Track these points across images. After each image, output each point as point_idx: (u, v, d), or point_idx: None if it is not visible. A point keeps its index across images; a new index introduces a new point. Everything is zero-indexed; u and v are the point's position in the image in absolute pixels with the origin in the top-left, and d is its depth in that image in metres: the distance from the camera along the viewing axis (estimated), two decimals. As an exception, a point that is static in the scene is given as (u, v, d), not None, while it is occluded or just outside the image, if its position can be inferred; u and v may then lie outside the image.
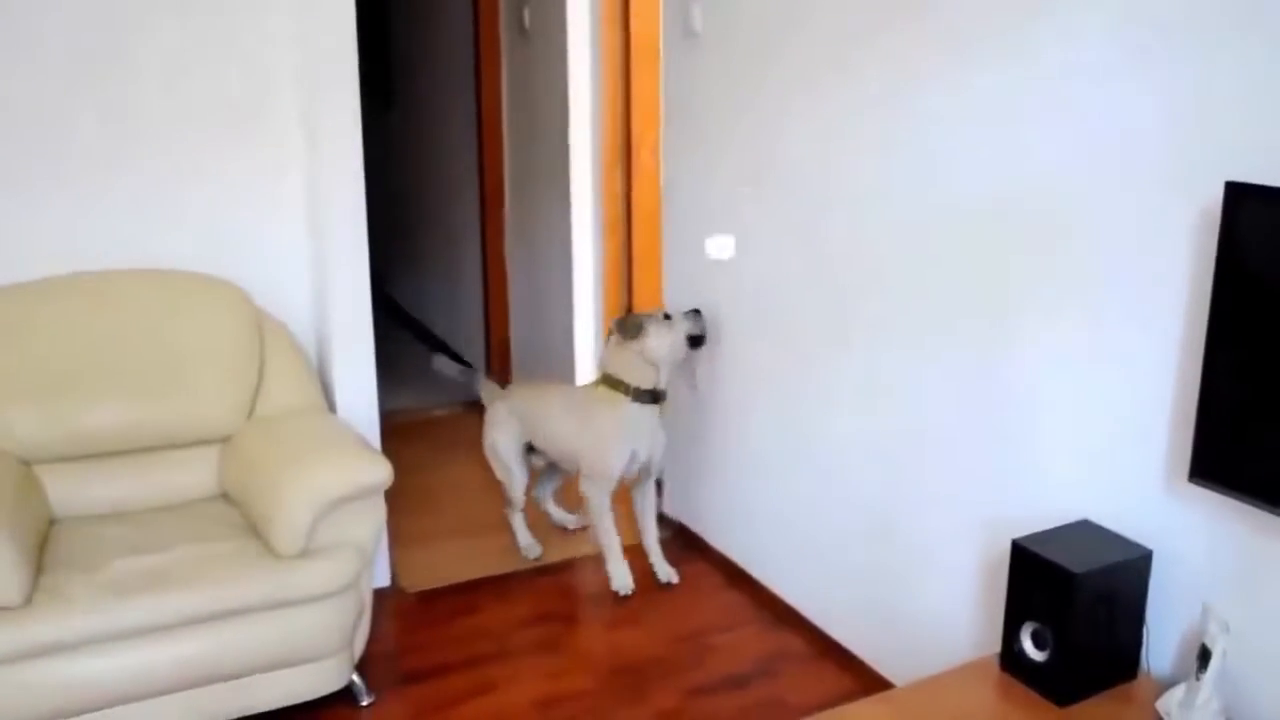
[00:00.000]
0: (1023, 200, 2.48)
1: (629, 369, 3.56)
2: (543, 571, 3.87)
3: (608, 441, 3.57)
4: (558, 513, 4.18)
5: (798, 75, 3.16)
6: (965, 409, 2.72)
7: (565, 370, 4.96)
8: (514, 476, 3.90)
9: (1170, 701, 2.13)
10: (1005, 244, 2.54)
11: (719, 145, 3.57)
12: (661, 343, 3.54)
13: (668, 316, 3.58)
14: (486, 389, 4.08)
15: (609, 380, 3.60)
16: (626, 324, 3.56)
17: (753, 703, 3.09)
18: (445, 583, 3.79)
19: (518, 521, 4.00)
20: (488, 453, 3.94)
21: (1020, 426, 2.57)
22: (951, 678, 2.34)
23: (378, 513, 3.04)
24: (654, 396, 3.58)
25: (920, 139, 2.75)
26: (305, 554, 2.86)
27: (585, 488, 3.66)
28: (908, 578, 2.99)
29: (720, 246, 3.55)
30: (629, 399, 3.56)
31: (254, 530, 2.98)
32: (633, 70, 4.53)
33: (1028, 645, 2.26)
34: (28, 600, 2.62)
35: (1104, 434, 2.36)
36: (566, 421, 3.70)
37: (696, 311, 3.66)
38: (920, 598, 2.95)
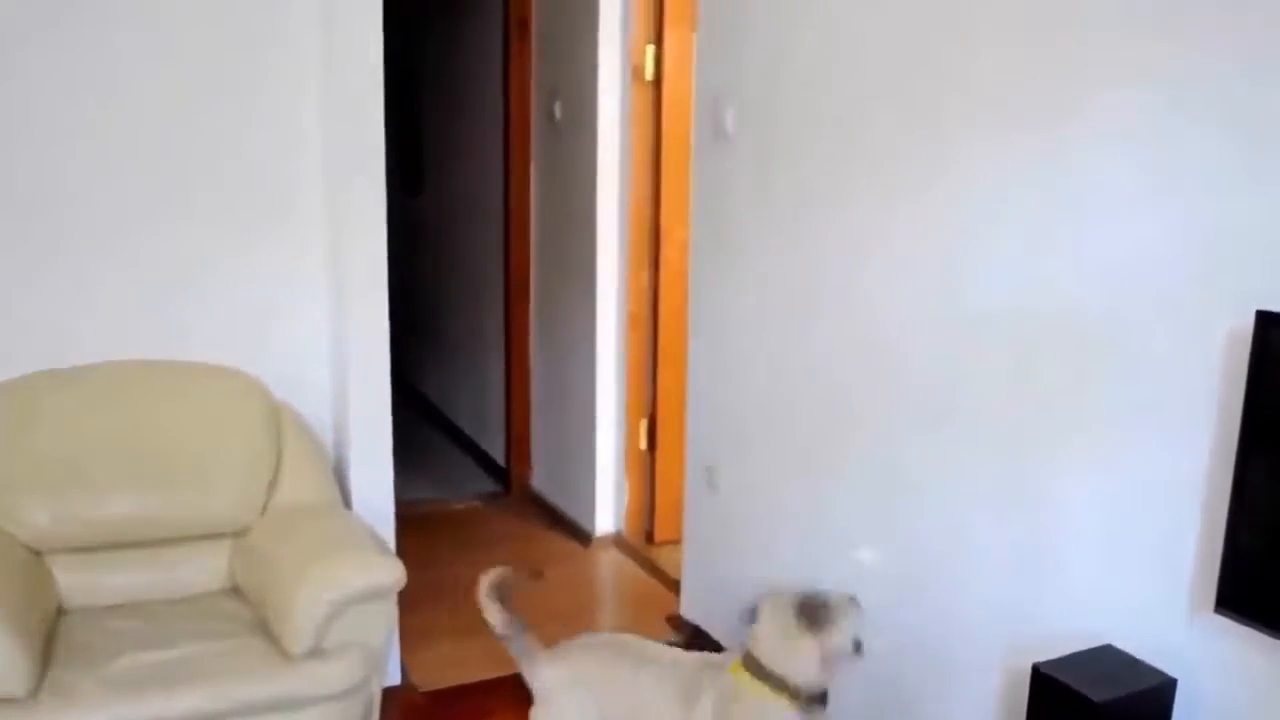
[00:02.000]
0: (1049, 320, 2.46)
1: (800, 666, 2.52)
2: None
3: None
4: None
5: (827, 185, 3.16)
6: (988, 529, 2.67)
7: (585, 469, 4.93)
8: None
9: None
10: (1031, 365, 2.52)
11: (748, 248, 3.57)
12: (847, 636, 2.56)
13: (853, 600, 2.62)
14: (525, 654, 2.83)
15: (761, 674, 2.54)
16: (813, 608, 2.53)
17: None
18: (458, 682, 3.73)
19: None
20: None
21: (1044, 548, 2.52)
22: (969, 806, 2.27)
23: (389, 614, 3.01)
24: (824, 699, 2.57)
25: (950, 256, 2.74)
26: (314, 654, 2.82)
27: None
28: (927, 697, 2.91)
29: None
30: (792, 707, 2.51)
31: (263, 627, 2.95)
32: (663, 166, 4.57)
33: (1048, 775, 2.19)
34: (33, 694, 2.59)
35: (1129, 559, 2.31)
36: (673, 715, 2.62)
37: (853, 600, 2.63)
38: (940, 717, 2.87)
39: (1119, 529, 2.33)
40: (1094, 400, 2.36)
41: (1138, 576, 2.29)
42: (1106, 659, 2.27)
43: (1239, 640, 2.09)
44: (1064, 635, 2.44)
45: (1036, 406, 2.51)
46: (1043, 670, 2.21)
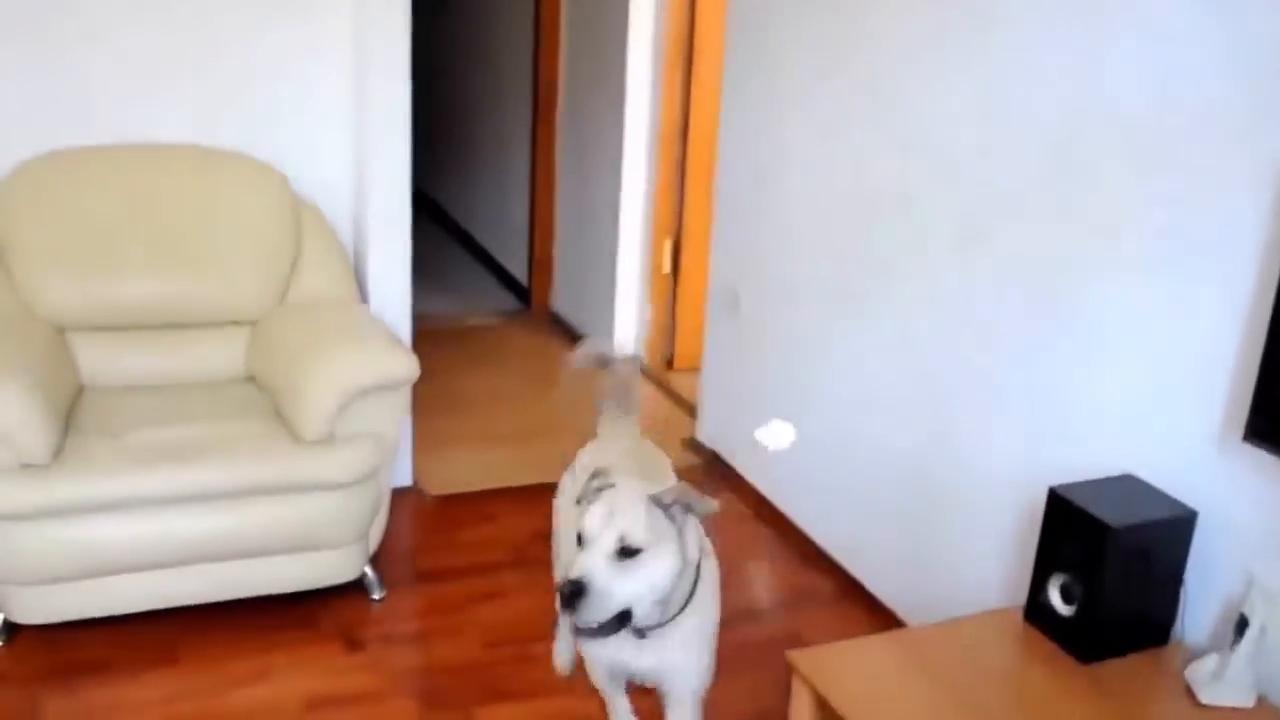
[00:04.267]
0: (1092, 138, 2.34)
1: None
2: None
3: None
4: None
5: (872, -7, 3.02)
6: (1013, 351, 2.61)
7: (606, 290, 4.88)
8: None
9: (1200, 671, 2.03)
10: (1072, 185, 2.41)
11: (784, 61, 3.43)
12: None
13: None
14: (607, 418, 2.62)
15: None
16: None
17: (768, 637, 3.03)
18: (467, 489, 3.75)
19: (564, 626, 2.81)
20: (555, 520, 2.68)
21: (1070, 372, 2.45)
22: (971, 623, 2.26)
23: (402, 408, 3.01)
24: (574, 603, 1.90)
25: (994, 71, 2.60)
26: (327, 441, 2.83)
27: None
28: (940, 524, 2.90)
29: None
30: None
31: (278, 413, 2.95)
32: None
33: (1055, 597, 2.17)
34: (55, 460, 2.64)
35: (1158, 385, 2.24)
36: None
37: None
38: (952, 546, 2.86)
39: (1150, 357, 2.26)
40: (1134, 224, 2.26)
41: (1166, 404, 2.23)
42: (1126, 487, 2.23)
43: (1265, 473, 2.04)
44: (1085, 465, 2.40)
45: (1074, 229, 2.41)
46: (1059, 493, 2.17)
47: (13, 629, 2.81)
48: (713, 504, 1.96)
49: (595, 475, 2.00)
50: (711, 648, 2.18)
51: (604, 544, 1.86)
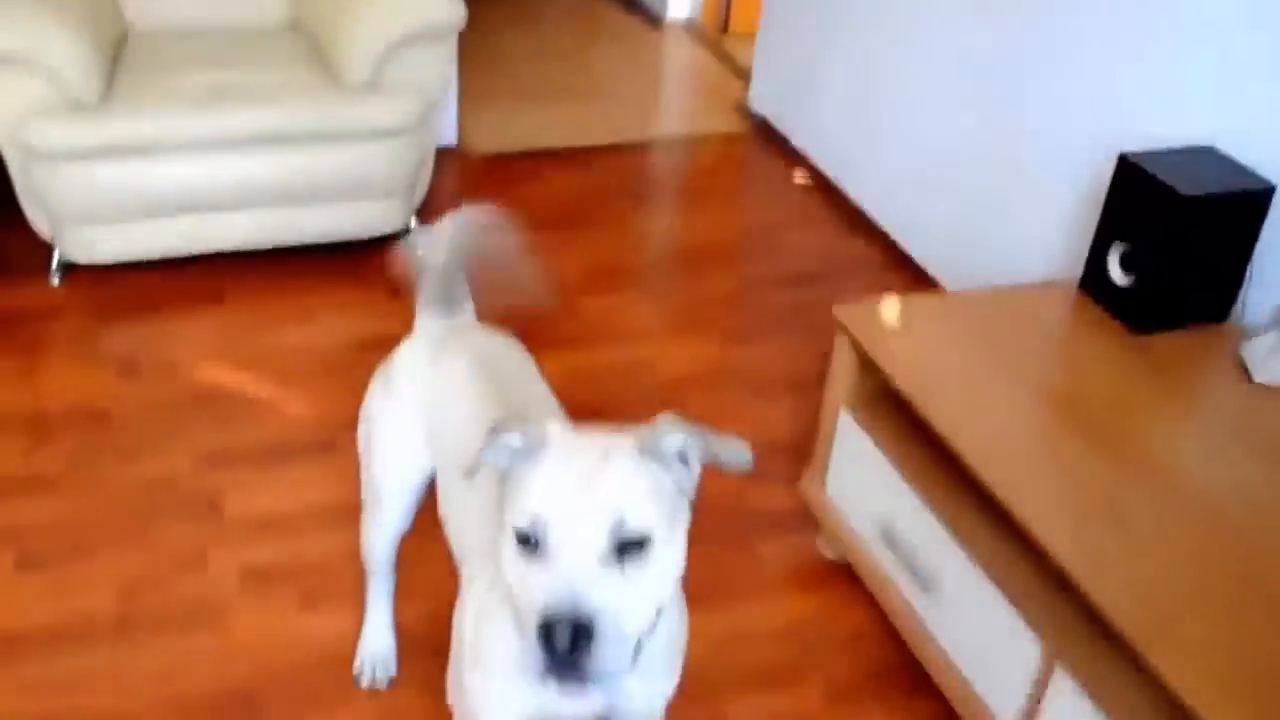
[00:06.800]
0: None
1: None
2: (618, 150, 3.73)
3: None
4: None
5: None
6: (1090, 11, 2.42)
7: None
8: (382, 514, 1.74)
9: (1255, 349, 1.99)
10: None
11: None
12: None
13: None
14: (428, 313, 1.74)
15: None
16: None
17: (810, 300, 3.02)
18: (513, 149, 3.67)
19: (375, 606, 1.95)
20: (360, 444, 1.75)
21: (1153, 34, 2.29)
22: (1022, 290, 2.21)
23: (447, 59, 2.91)
24: None
25: None
26: (371, 87, 2.77)
27: None
28: (998, 196, 2.81)
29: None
30: None
31: (323, 61, 2.88)
32: None
33: (1114, 266, 2.10)
34: (103, 101, 2.62)
35: (1251, 51, 2.08)
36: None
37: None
38: (1011, 219, 2.78)
39: (1247, 19, 2.09)
40: None
41: (1257, 71, 2.08)
42: (1204, 159, 2.11)
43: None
44: (1162, 134, 2.28)
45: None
46: (1130, 160, 2.06)
47: (68, 268, 2.86)
48: (745, 452, 1.18)
49: (496, 430, 1.17)
50: (681, 660, 1.41)
51: (593, 543, 1.08)
